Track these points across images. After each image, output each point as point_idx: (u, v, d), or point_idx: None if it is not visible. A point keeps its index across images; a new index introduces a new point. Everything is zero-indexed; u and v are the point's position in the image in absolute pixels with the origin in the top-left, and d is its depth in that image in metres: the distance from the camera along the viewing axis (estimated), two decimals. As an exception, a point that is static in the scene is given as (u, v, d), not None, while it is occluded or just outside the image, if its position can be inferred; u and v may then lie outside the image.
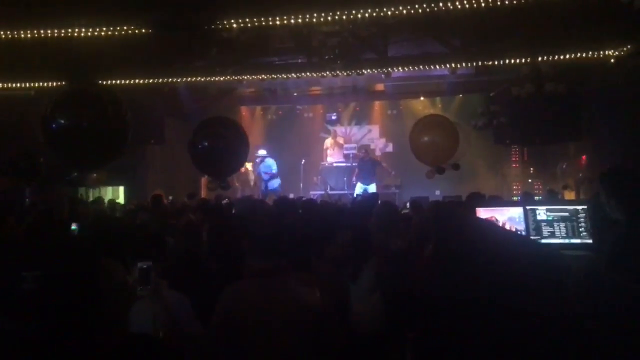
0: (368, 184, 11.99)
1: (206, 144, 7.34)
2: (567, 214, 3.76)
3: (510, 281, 1.55)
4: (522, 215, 3.77)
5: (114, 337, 1.39)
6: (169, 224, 5.76)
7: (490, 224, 3.10)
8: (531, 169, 13.19)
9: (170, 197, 10.51)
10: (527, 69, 9.09)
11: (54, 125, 6.49)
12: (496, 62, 9.18)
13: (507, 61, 9.05)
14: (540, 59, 8.81)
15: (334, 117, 14.96)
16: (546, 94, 9.31)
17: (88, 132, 6.35)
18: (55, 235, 4.18)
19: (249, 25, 6.85)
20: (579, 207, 3.78)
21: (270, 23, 6.97)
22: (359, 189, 11.96)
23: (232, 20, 6.78)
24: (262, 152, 13.34)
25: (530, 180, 13.07)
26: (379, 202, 6.28)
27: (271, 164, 13.05)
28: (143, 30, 7.11)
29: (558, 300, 1.17)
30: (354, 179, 12.66)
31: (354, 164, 13.43)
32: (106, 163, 7.25)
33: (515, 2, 7.20)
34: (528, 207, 3.82)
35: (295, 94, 13.57)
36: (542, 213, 3.79)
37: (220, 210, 7.37)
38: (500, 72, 10.12)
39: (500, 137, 11.37)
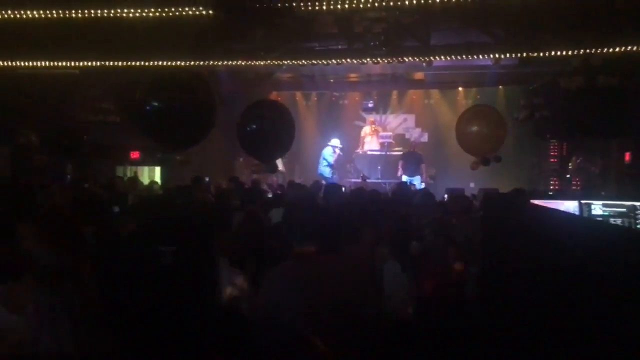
0: (413, 177, 12.41)
1: (255, 126, 7.38)
2: (624, 209, 3.68)
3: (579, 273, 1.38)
4: (577, 209, 3.72)
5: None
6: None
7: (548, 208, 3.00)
8: (570, 164, 12.88)
9: (207, 179, 10.64)
10: (577, 61, 8.82)
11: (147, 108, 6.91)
12: (541, 54, 8.95)
13: (552, 53, 8.81)
14: (588, 51, 8.55)
15: (370, 105, 14.88)
16: (597, 87, 9.03)
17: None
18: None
19: (301, 8, 6.82)
20: (637, 204, 3.70)
21: (317, 8, 6.94)
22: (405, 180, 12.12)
23: (286, 3, 6.75)
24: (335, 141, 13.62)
25: (568, 176, 12.78)
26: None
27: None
28: (197, 12, 7.15)
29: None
30: (399, 171, 12.78)
31: (388, 153, 13.39)
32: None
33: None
34: (583, 202, 3.76)
35: (332, 80, 13.53)
36: (597, 208, 3.73)
37: (259, 194, 7.46)
38: (544, 64, 9.86)
39: (540, 130, 11.14)
